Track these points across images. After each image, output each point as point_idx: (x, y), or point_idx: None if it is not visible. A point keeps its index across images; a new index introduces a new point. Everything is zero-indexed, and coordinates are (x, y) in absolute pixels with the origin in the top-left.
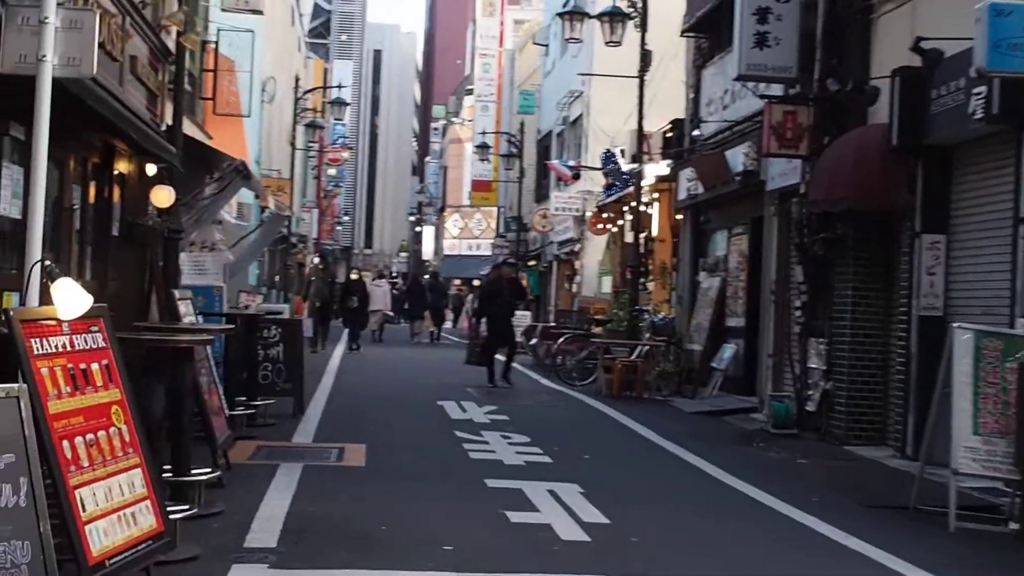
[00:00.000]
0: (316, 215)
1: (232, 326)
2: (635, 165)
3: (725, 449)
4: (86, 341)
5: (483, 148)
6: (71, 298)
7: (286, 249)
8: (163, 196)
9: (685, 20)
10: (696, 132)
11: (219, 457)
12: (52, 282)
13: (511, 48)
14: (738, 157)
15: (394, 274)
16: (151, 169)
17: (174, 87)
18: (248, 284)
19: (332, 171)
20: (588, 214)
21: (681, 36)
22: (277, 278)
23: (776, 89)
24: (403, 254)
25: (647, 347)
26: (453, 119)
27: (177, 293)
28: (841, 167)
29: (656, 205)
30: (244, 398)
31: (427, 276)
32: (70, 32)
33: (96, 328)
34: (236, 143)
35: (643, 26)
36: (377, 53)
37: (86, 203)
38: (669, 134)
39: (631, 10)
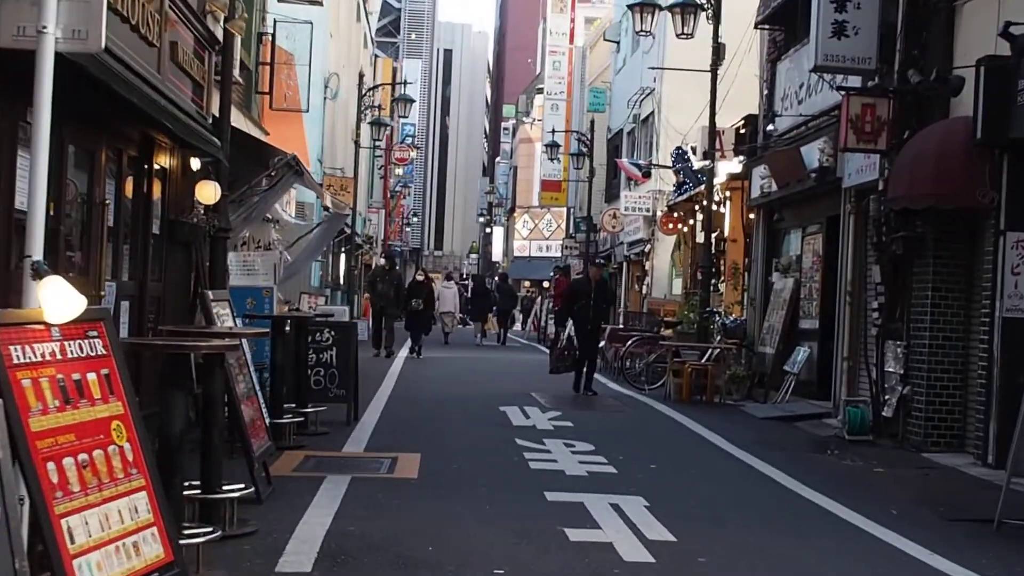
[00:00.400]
0: (383, 216)
1: (266, 330)
2: (707, 162)
3: (798, 457)
4: (82, 348)
5: (553, 147)
6: (61, 300)
7: (351, 250)
8: (208, 192)
9: (759, 11)
10: (770, 127)
11: (257, 471)
12: (39, 280)
13: (582, 45)
14: (813, 153)
15: (464, 276)
16: (196, 164)
17: (221, 77)
18: (311, 286)
19: (399, 171)
20: (659, 213)
21: (755, 28)
22: (341, 280)
23: (854, 81)
24: (473, 256)
25: (718, 350)
26: (523, 119)
27: (211, 294)
28: (922, 162)
29: (728, 204)
30: (293, 405)
31: (496, 278)
32: (75, 1)
33: (95, 333)
34: (295, 140)
35: (716, 18)
36: (448, 53)
37: (122, 198)
38: (742, 130)
39: (703, 1)
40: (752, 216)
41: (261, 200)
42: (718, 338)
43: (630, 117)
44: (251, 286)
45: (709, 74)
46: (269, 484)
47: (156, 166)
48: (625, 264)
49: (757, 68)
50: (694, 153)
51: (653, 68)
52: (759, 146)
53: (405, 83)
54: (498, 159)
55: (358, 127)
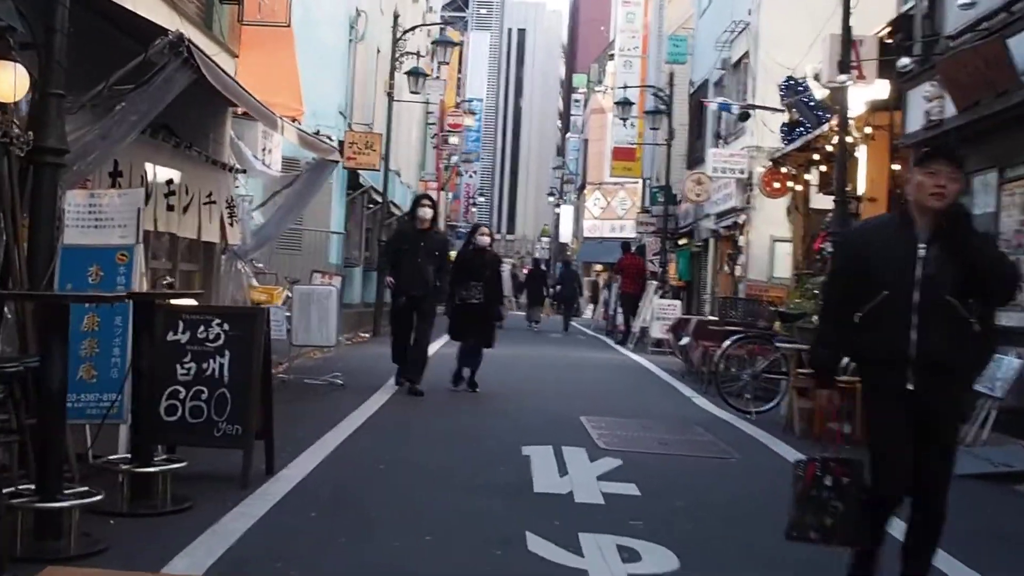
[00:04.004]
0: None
1: None
2: (845, 77)
3: None
4: None
5: (625, 106)
6: None
7: (380, 219)
8: (4, 82)
9: None
10: (963, 1)
11: None
12: None
13: None
14: None
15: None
16: None
17: None
18: (328, 263)
19: (454, 139)
20: (758, 171)
21: None
22: (367, 253)
23: None
24: (544, 239)
25: None
26: (595, 88)
27: None
28: None
29: (863, 148)
30: (127, 456)
31: (561, 263)
32: None
33: None
34: (283, 73)
35: None
36: (521, 32)
37: None
38: (889, 40)
39: None
40: (896, 167)
41: (130, 104)
42: None
43: (718, 63)
44: (99, 245)
45: None
46: None
47: None
48: (712, 240)
49: None
50: (816, 80)
51: None
52: (916, 56)
53: (444, 23)
54: (568, 134)
55: (391, 76)
